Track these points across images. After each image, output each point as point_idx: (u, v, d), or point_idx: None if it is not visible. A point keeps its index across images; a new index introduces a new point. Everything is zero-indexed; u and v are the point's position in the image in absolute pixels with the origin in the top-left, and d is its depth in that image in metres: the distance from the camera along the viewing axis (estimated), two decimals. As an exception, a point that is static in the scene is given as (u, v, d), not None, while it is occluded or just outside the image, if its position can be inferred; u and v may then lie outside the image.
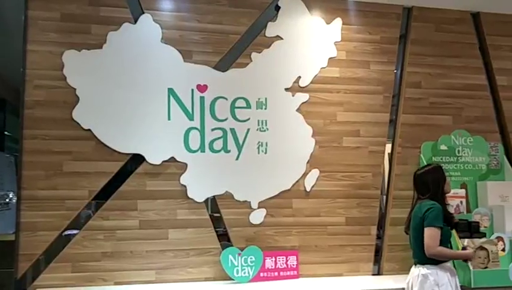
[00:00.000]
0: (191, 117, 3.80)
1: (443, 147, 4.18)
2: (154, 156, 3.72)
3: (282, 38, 4.01)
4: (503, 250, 3.76)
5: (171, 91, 3.78)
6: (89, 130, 3.64)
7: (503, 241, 3.78)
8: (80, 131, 3.62)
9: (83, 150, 3.64)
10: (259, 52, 3.98)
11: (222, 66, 3.93)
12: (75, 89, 3.63)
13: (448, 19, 4.40)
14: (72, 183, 3.60)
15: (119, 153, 3.67)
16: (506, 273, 3.54)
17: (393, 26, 4.28)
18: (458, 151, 4.20)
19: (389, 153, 4.32)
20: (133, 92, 3.71)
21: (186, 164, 3.77)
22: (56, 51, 3.64)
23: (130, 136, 3.68)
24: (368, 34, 4.22)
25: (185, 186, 3.76)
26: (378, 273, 4.09)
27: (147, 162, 3.72)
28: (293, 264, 3.82)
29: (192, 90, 3.83)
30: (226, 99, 3.88)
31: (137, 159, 3.73)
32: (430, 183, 3.30)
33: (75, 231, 3.65)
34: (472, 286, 3.49)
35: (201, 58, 3.88)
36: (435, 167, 3.41)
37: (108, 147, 3.65)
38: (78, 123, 3.62)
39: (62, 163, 3.61)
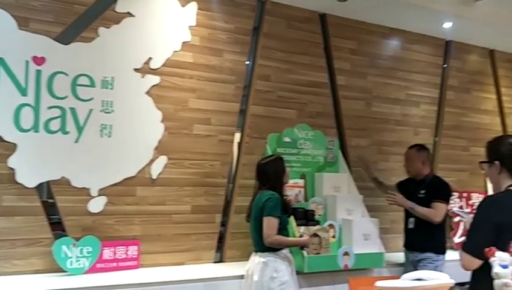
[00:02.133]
0: (23, 92, 3.39)
1: (287, 139, 4.36)
2: (-24, 134, 3.25)
3: (133, 16, 3.79)
4: (334, 237, 4.07)
5: (1, 61, 3.32)
6: None
7: (334, 229, 4.09)
8: None
9: None
10: (108, 28, 3.70)
11: (64, 38, 3.56)
12: None
13: (298, 17, 4.60)
14: None
15: None
16: (336, 259, 3.83)
17: (248, 18, 4.33)
18: (300, 143, 4.43)
19: (238, 143, 4.38)
20: (-49, 58, 3.19)
21: (15, 145, 3.36)
22: None
23: None
24: (223, 22, 4.20)
25: (13, 169, 3.35)
26: (220, 261, 4.13)
27: (-34, 140, 3.23)
28: (134, 255, 3.66)
29: (27, 62, 3.41)
30: (67, 75, 3.54)
31: (-47, 137, 3.23)
32: (270, 173, 3.42)
33: None
34: (305, 271, 3.71)
35: (40, 27, 3.48)
36: (276, 158, 3.54)
37: None
38: None
39: None
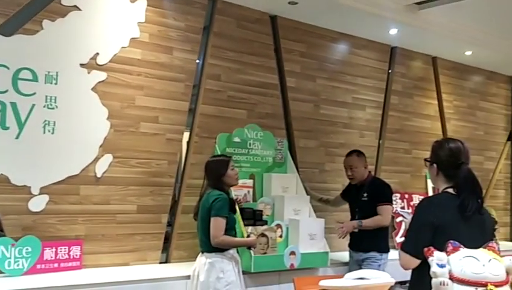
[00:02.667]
0: (-41, 85, 3.22)
1: (237, 139, 4.37)
2: None
3: (80, 9, 3.67)
4: (281, 236, 4.11)
5: None
6: None
7: (281, 229, 4.13)
8: None
9: None
10: (53, 21, 3.56)
11: (6, 29, 3.39)
12: None
13: (249, 17, 4.61)
14: None
15: None
16: (282, 258, 3.88)
17: (199, 16, 4.30)
18: (249, 144, 4.44)
19: (187, 142, 4.34)
20: None
21: (-51, 140, 3.18)
22: None
23: None
24: (173, 19, 4.15)
25: None
26: (166, 262, 4.08)
27: None
28: (76, 255, 3.55)
29: (-36, 53, 3.25)
30: (8, 68, 3.38)
31: None
32: (212, 172, 3.45)
33: None
34: (252, 271, 3.73)
35: (-20, 17, 3.31)
36: (222, 159, 3.55)
37: None
38: None
39: None
